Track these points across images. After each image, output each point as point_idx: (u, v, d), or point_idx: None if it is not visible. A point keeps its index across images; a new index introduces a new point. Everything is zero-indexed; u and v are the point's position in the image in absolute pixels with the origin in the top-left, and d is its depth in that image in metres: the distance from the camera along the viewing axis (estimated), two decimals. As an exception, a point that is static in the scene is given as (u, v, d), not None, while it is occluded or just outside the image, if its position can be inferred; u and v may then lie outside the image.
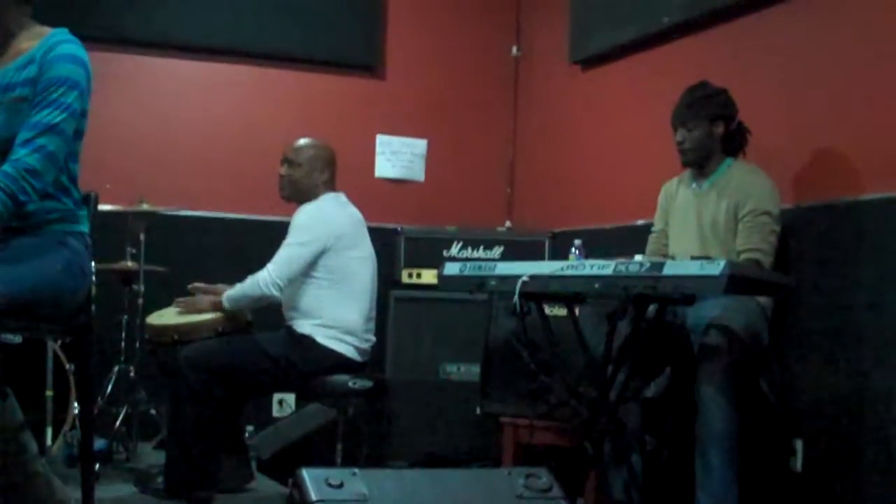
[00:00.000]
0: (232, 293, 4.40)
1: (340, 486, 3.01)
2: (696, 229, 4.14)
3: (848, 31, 4.10)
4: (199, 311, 4.47)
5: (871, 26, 4.00)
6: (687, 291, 3.27)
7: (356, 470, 3.10)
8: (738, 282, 3.17)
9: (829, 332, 4.01)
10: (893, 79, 3.86)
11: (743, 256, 3.91)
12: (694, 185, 4.22)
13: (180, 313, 4.51)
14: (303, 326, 4.38)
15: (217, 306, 4.43)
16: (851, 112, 4.05)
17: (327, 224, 4.41)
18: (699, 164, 4.18)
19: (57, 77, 2.96)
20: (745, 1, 4.56)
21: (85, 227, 3.16)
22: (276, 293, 4.34)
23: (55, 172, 3.01)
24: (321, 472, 3.05)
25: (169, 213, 5.21)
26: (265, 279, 4.32)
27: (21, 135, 2.93)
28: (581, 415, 3.64)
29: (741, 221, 3.99)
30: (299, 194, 4.53)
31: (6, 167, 2.90)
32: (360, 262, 4.49)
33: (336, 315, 4.37)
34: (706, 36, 4.90)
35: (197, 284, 4.58)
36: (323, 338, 4.35)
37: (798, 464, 4.06)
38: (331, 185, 4.58)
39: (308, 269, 4.38)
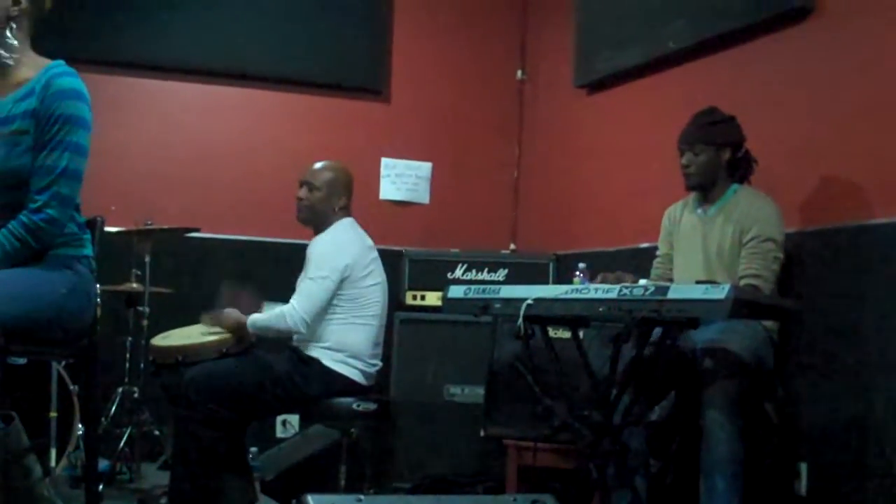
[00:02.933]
0: (259, 321, 4.36)
1: (346, 512, 3.01)
2: (702, 255, 4.14)
3: (854, 56, 4.11)
4: (224, 326, 4.45)
5: (876, 51, 4.01)
6: (691, 315, 3.26)
7: (361, 496, 3.10)
8: (742, 306, 3.17)
9: (834, 356, 4.01)
10: (893, 105, 3.87)
11: (743, 281, 3.90)
12: (699, 210, 4.23)
13: (205, 322, 4.49)
14: (310, 349, 4.38)
15: (241, 325, 4.41)
16: (857, 137, 4.06)
17: (345, 254, 4.40)
18: (703, 188, 4.19)
19: (62, 115, 2.98)
20: (750, 26, 4.58)
21: (89, 251, 3.19)
22: (302, 329, 4.33)
23: (70, 212, 3.05)
24: (326, 499, 3.04)
25: (174, 231, 5.21)
26: (294, 316, 4.30)
27: (35, 181, 2.97)
28: (585, 438, 3.63)
29: (745, 247, 3.99)
30: (316, 218, 4.52)
31: (23, 217, 2.96)
32: (375, 288, 4.49)
33: (343, 339, 4.37)
34: (711, 61, 4.91)
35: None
36: (329, 361, 4.35)
37: (802, 487, 4.05)
38: (347, 211, 4.57)
39: (331, 301, 4.37)
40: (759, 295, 3.74)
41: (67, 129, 2.98)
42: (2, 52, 3.05)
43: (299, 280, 4.44)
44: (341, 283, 4.37)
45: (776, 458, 4.07)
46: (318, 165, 4.58)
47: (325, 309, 4.36)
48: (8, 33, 3.05)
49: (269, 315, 4.37)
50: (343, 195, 4.56)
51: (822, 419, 4.04)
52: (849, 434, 3.92)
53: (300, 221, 4.58)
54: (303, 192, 4.56)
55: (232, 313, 4.45)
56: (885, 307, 3.81)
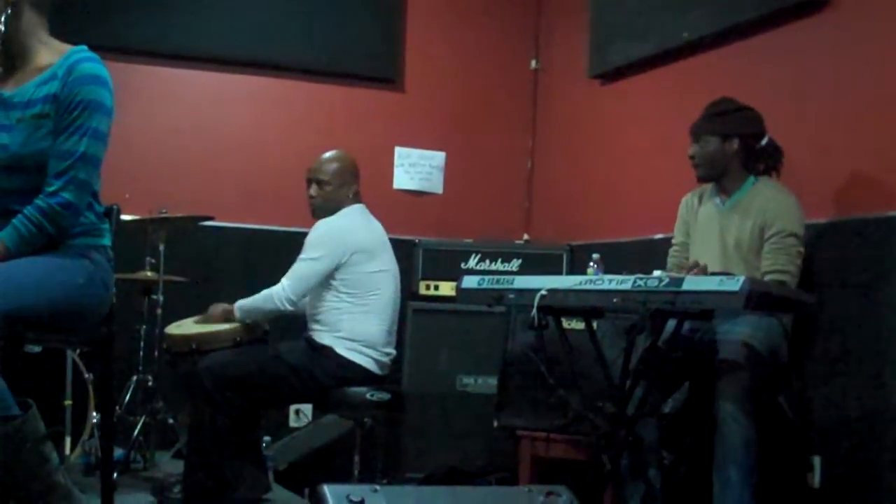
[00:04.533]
0: (244, 304, 4.43)
1: (361, 502, 3.00)
2: (720, 247, 4.12)
3: (871, 47, 4.09)
4: (214, 321, 4.49)
5: (893, 42, 3.99)
6: (706, 307, 3.26)
7: (377, 486, 3.09)
8: (757, 298, 3.16)
9: (850, 348, 4.01)
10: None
11: (769, 277, 3.88)
12: (717, 200, 4.21)
13: (198, 322, 4.54)
14: (323, 338, 4.39)
15: (229, 316, 4.45)
16: (874, 128, 4.04)
17: (341, 239, 4.41)
18: (711, 179, 4.18)
19: (83, 100, 2.97)
20: (765, 17, 4.56)
21: (107, 241, 3.19)
22: (289, 307, 4.36)
23: (88, 198, 3.05)
24: (342, 489, 3.04)
25: (189, 219, 5.22)
26: (278, 294, 4.34)
27: (52, 165, 2.96)
28: (598, 429, 3.63)
29: (767, 242, 3.97)
30: (331, 211, 4.53)
31: (39, 201, 2.95)
32: (382, 275, 4.49)
33: (357, 328, 4.38)
34: (726, 51, 4.90)
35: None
36: (343, 349, 4.36)
37: (816, 480, 4.05)
38: (357, 197, 4.58)
39: (326, 283, 4.39)
40: (775, 287, 3.73)
41: (88, 114, 2.98)
42: (15, 34, 3.03)
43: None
44: (337, 268, 4.38)
45: (790, 451, 4.07)
46: (322, 159, 4.59)
47: (313, 290, 4.39)
48: (26, 17, 3.04)
49: (254, 297, 4.41)
50: (353, 183, 4.58)
51: (836, 412, 4.03)
52: (863, 427, 3.92)
53: (317, 218, 4.58)
54: (314, 190, 4.57)
55: (218, 306, 4.49)
56: (900, 300, 3.81)
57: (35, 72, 3.04)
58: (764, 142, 4.15)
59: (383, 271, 4.50)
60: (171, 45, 5.97)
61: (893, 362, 3.82)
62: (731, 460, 3.64)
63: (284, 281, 4.37)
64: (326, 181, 4.53)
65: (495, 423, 4.71)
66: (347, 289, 4.40)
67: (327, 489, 3.01)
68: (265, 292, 4.39)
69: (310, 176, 4.58)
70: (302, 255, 4.42)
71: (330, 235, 4.43)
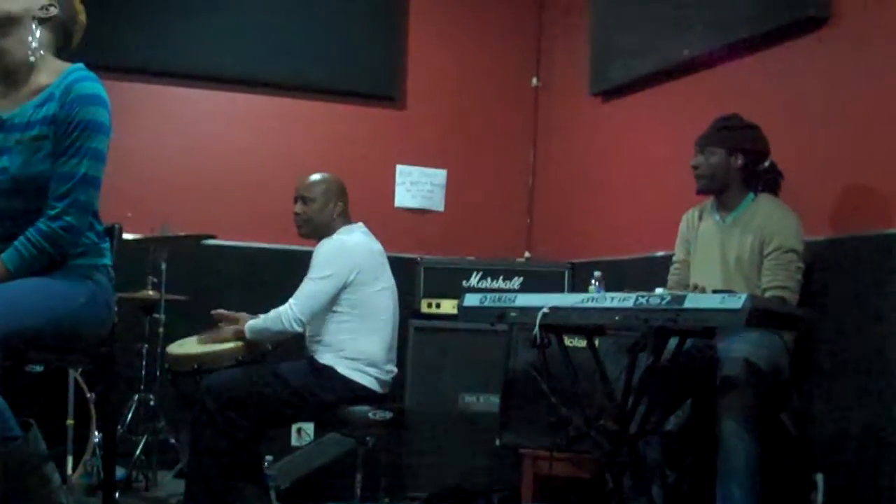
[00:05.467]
0: (255, 325, 4.41)
1: (362, 521, 3.01)
2: (720, 263, 4.13)
3: (870, 64, 4.10)
4: (223, 341, 4.48)
5: (892, 59, 4.00)
6: (708, 325, 3.26)
7: (378, 506, 3.09)
8: (759, 316, 3.16)
9: (852, 365, 4.00)
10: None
11: (769, 294, 3.89)
12: (717, 216, 4.22)
13: (202, 341, 4.53)
14: (325, 357, 4.38)
15: (239, 335, 4.45)
16: (874, 145, 4.05)
17: (348, 258, 4.42)
18: (712, 192, 4.19)
19: (81, 121, 2.96)
20: (765, 35, 4.57)
21: (108, 260, 3.18)
22: (298, 329, 4.35)
23: (89, 219, 3.05)
24: (344, 508, 3.04)
25: (190, 238, 5.22)
26: (288, 315, 4.33)
27: (53, 187, 2.96)
28: (601, 447, 3.63)
29: (767, 258, 3.98)
30: (317, 229, 4.54)
31: (41, 224, 2.95)
32: (382, 294, 4.49)
33: (358, 347, 4.38)
34: (726, 69, 4.91)
35: (220, 311, 4.58)
36: (345, 369, 4.35)
37: (819, 498, 4.04)
38: (346, 217, 4.59)
39: (331, 304, 4.38)
40: (777, 304, 3.73)
41: (87, 135, 2.97)
42: (17, 49, 3.04)
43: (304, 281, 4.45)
44: (346, 287, 4.38)
45: (793, 469, 4.06)
46: (309, 178, 4.61)
47: (324, 310, 4.37)
48: (31, 33, 3.03)
49: (265, 317, 4.39)
50: (339, 201, 4.58)
51: (839, 429, 4.02)
52: (866, 444, 3.91)
53: (302, 236, 4.60)
54: (299, 207, 4.58)
55: (228, 328, 4.48)
56: (903, 316, 3.80)
57: (33, 93, 3.03)
58: (767, 163, 4.16)
59: (384, 289, 4.50)
60: (172, 63, 5.99)
61: (894, 377, 3.81)
62: (734, 478, 3.64)
63: (293, 301, 4.36)
64: (312, 198, 4.55)
65: (497, 442, 4.71)
66: (350, 308, 4.40)
67: (329, 509, 3.00)
68: (274, 313, 4.37)
69: (296, 194, 4.61)
70: (310, 275, 4.40)
71: (337, 253, 4.43)
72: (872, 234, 4.00)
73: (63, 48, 3.14)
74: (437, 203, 6.49)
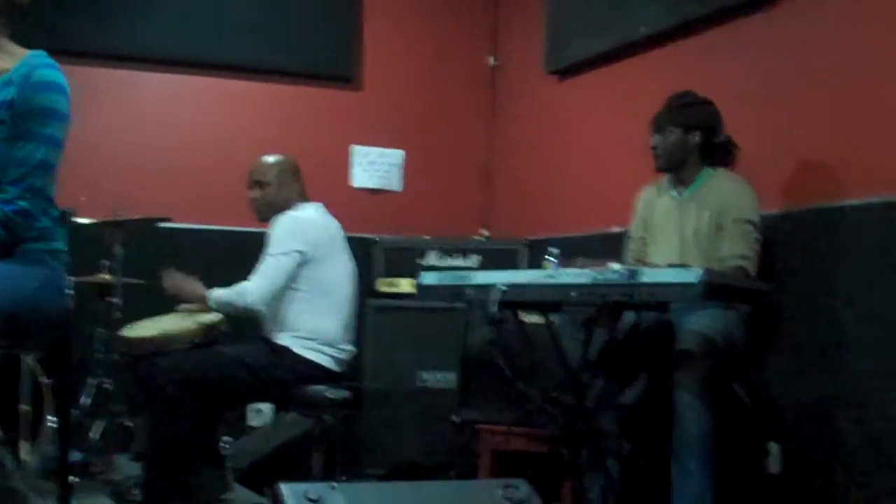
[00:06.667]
0: (220, 297, 4.38)
1: (319, 500, 2.99)
2: (678, 238, 4.15)
3: (824, 40, 4.13)
4: (184, 294, 4.44)
5: (846, 36, 4.03)
6: (663, 299, 3.28)
7: (335, 484, 3.08)
8: (714, 289, 3.18)
9: (806, 336, 4.05)
10: (870, 86, 3.89)
11: (729, 264, 3.91)
12: (674, 192, 4.24)
13: (157, 321, 4.48)
14: (281, 338, 4.37)
15: (201, 300, 4.41)
16: (831, 119, 4.08)
17: (305, 232, 4.41)
18: (671, 170, 4.21)
19: (40, 107, 2.96)
20: (721, 10, 4.59)
21: (63, 245, 3.16)
22: (261, 307, 4.34)
23: (43, 205, 3.02)
24: (300, 487, 3.03)
25: (145, 221, 5.18)
26: (252, 293, 4.31)
27: (9, 172, 2.94)
28: (557, 421, 3.65)
29: (724, 230, 4.00)
30: (275, 212, 4.52)
31: None
32: (340, 272, 4.49)
33: (315, 326, 4.37)
34: (682, 46, 4.93)
35: (172, 280, 4.54)
36: (301, 349, 4.34)
37: (774, 467, 4.09)
38: (303, 196, 4.58)
39: (291, 280, 4.36)
40: (732, 278, 3.76)
41: (44, 121, 2.96)
42: None
43: (260, 259, 4.42)
44: (303, 264, 4.36)
45: (748, 439, 4.10)
46: (263, 162, 4.59)
47: (285, 287, 4.35)
48: None
49: (229, 290, 4.37)
50: (294, 182, 4.58)
51: (794, 399, 4.07)
52: (819, 414, 3.95)
53: (261, 220, 4.58)
54: (255, 193, 4.57)
55: (195, 285, 4.44)
56: (857, 288, 3.84)
57: None
58: (721, 137, 4.18)
59: (342, 268, 4.50)
60: (123, 47, 5.94)
61: (848, 349, 3.86)
62: (690, 450, 3.67)
63: (255, 279, 4.34)
64: (267, 182, 4.55)
65: (455, 418, 4.72)
66: (308, 287, 4.39)
67: (285, 488, 2.99)
68: (239, 288, 4.35)
69: (250, 179, 4.59)
70: (269, 251, 4.39)
71: (293, 229, 4.42)
72: (826, 208, 4.03)
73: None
74: (395, 183, 6.48)
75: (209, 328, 4.42)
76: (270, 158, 4.61)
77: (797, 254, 4.14)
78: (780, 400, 4.13)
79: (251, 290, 4.31)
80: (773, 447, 4.08)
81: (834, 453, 3.88)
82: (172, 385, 4.15)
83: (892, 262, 3.71)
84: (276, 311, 4.41)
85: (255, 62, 6.18)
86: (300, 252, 4.36)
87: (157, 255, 5.66)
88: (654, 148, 4.19)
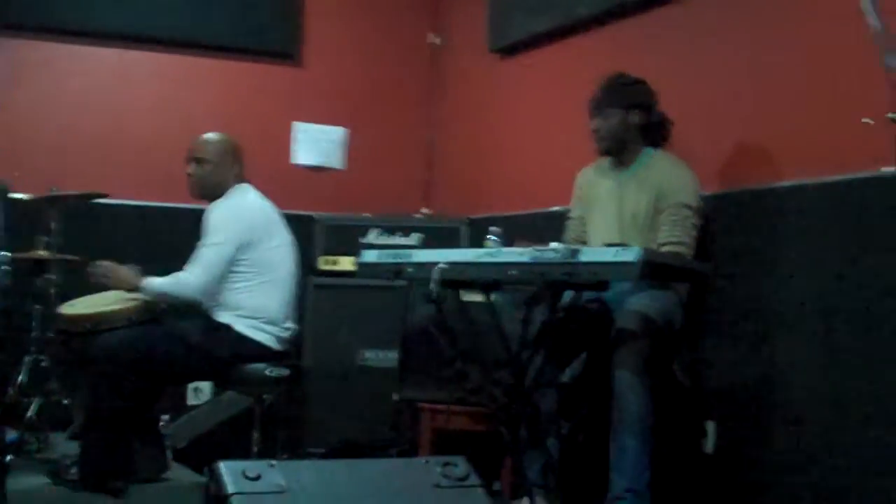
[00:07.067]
0: (154, 287, 4.33)
1: (258, 478, 2.98)
2: (617, 218, 4.17)
3: (758, 24, 4.17)
4: (114, 280, 4.39)
5: (777, 19, 4.07)
6: (602, 278, 3.30)
7: (274, 461, 3.08)
8: (652, 268, 3.21)
9: (743, 316, 4.09)
10: (803, 70, 3.93)
11: (665, 248, 3.94)
12: (614, 173, 4.26)
13: (93, 299, 4.44)
14: (222, 316, 4.35)
15: (133, 289, 4.37)
16: (765, 101, 4.11)
17: (242, 219, 4.38)
18: (614, 152, 4.23)
19: None
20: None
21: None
22: (200, 298, 4.31)
23: None
24: (238, 465, 3.02)
25: (82, 197, 5.11)
26: (190, 283, 4.27)
27: None
28: (497, 400, 3.67)
29: (663, 214, 4.03)
30: (211, 190, 4.48)
31: None
32: (280, 251, 4.47)
33: (256, 305, 4.35)
34: (622, 26, 4.95)
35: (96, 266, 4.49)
36: (242, 327, 4.32)
37: (710, 445, 4.14)
38: (240, 178, 4.55)
39: (229, 267, 4.34)
40: (670, 257, 3.79)
41: None
42: None
43: (197, 248, 4.39)
44: (242, 248, 4.34)
45: (685, 417, 4.15)
46: (204, 138, 4.56)
47: (223, 276, 4.33)
48: None
49: (165, 280, 4.33)
50: (234, 163, 4.54)
51: (729, 379, 4.12)
52: (755, 393, 4.01)
53: (195, 197, 4.55)
54: (192, 168, 4.53)
55: (126, 272, 4.40)
56: (790, 268, 3.89)
57: None
58: (657, 115, 4.21)
59: (281, 247, 4.48)
60: (60, 19, 5.84)
61: (783, 328, 3.91)
62: (628, 428, 3.70)
63: (194, 270, 4.30)
64: (206, 159, 4.51)
65: (396, 396, 4.73)
66: (247, 268, 4.36)
67: (223, 466, 2.98)
68: (173, 279, 4.30)
69: (189, 154, 4.54)
70: (205, 241, 4.35)
71: (229, 217, 4.39)
72: (762, 189, 4.07)
73: None
74: (336, 160, 6.45)
75: (148, 305, 4.39)
76: (212, 136, 4.57)
77: (732, 235, 4.18)
78: (716, 379, 4.18)
79: (189, 281, 4.28)
80: (710, 426, 4.14)
81: (766, 433, 3.94)
82: (110, 363, 4.12)
83: (825, 243, 3.77)
84: (217, 290, 4.38)
85: (195, 37, 6.11)
86: (235, 240, 4.32)
87: (95, 231, 5.62)
88: (595, 131, 4.21)
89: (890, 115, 2.65)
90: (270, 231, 4.45)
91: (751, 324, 4.05)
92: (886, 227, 3.41)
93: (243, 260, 4.35)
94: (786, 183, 3.96)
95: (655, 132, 4.22)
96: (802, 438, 3.79)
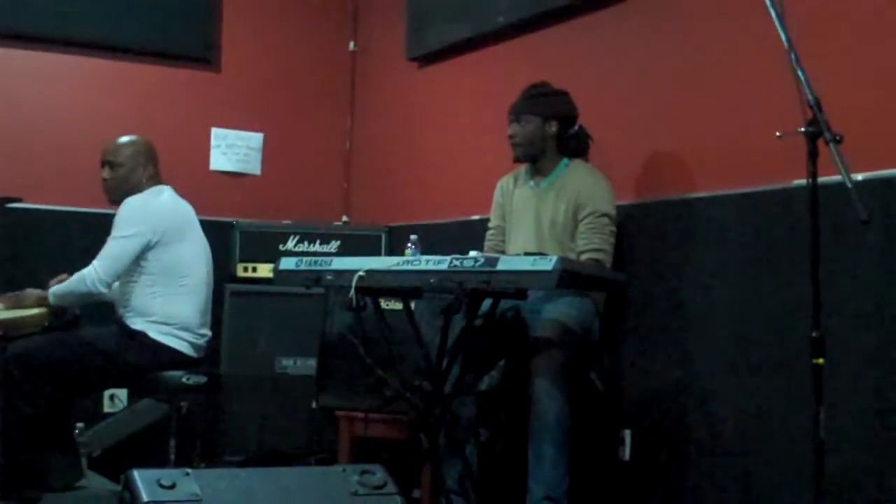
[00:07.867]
0: (58, 290, 4.30)
1: (173, 486, 2.96)
2: (535, 228, 4.21)
3: (675, 34, 4.23)
4: (25, 307, 4.35)
5: (694, 30, 4.14)
6: (520, 286, 3.33)
7: (189, 470, 3.05)
8: (569, 277, 3.24)
9: (659, 325, 4.14)
10: (723, 81, 4.00)
11: (584, 257, 4.00)
12: (532, 183, 4.30)
13: (5, 308, 4.38)
14: (135, 322, 4.30)
15: (42, 301, 4.33)
16: (682, 113, 4.17)
17: (152, 217, 4.33)
18: (529, 159, 4.26)
19: None
20: (577, 3, 4.66)
21: None
22: (103, 290, 4.26)
23: None
24: (153, 473, 2.99)
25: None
26: (92, 276, 4.22)
27: None
28: (416, 408, 3.68)
29: (581, 223, 4.08)
30: (125, 194, 4.42)
31: None
32: (193, 255, 4.43)
33: (170, 311, 4.31)
34: (540, 36, 4.98)
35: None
36: (156, 334, 4.28)
37: (626, 453, 4.19)
38: (156, 179, 4.51)
39: (137, 265, 4.29)
40: (587, 266, 3.84)
41: None
42: None
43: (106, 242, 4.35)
44: (151, 247, 4.29)
45: (601, 425, 4.20)
46: (117, 142, 4.51)
47: (127, 269, 4.28)
48: None
49: (67, 282, 4.29)
50: (148, 165, 4.50)
51: (646, 387, 4.17)
52: (670, 401, 4.06)
53: (111, 202, 4.49)
54: (106, 173, 4.49)
55: (31, 293, 4.36)
56: (706, 278, 3.95)
57: None
58: (576, 127, 4.26)
59: (194, 250, 4.44)
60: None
61: (698, 338, 3.97)
62: (546, 436, 3.73)
63: (96, 262, 4.25)
64: (119, 163, 4.46)
65: (314, 404, 4.72)
66: (159, 272, 4.32)
67: (137, 474, 2.95)
68: (77, 276, 4.26)
69: (102, 158, 4.50)
70: (113, 234, 4.30)
71: (140, 212, 4.34)
72: (676, 199, 4.13)
73: None
74: (254, 167, 6.41)
75: (60, 311, 4.33)
76: (124, 139, 4.53)
77: (648, 244, 4.24)
78: (633, 388, 4.23)
79: (89, 274, 4.22)
80: (627, 434, 4.19)
81: (681, 440, 4.00)
82: (21, 370, 4.07)
83: (738, 254, 3.84)
84: (129, 295, 4.33)
85: (111, 41, 6.02)
86: (144, 236, 4.28)
87: (9, 236, 5.51)
88: (511, 137, 4.24)
89: (801, 129, 2.71)
90: (183, 232, 4.40)
91: (665, 333, 4.10)
92: (796, 236, 3.48)
93: (154, 260, 4.30)
94: (700, 194, 4.03)
95: (573, 145, 4.26)
96: (718, 445, 3.85)
